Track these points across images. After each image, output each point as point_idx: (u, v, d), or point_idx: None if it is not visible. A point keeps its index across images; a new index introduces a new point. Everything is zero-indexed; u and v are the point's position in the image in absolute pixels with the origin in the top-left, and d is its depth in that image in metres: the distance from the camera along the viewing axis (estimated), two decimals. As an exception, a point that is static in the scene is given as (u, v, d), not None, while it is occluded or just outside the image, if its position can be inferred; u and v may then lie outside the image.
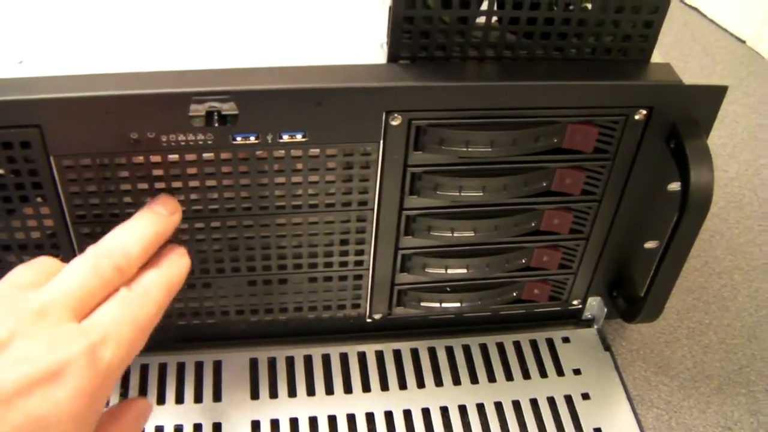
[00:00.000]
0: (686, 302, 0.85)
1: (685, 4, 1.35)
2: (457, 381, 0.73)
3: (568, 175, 0.65)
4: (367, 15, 0.65)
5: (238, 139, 0.58)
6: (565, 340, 0.77)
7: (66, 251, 0.62)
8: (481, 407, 0.71)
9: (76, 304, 0.49)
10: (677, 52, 1.24)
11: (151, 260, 0.55)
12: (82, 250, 0.60)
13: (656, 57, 0.63)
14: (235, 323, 0.70)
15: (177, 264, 0.57)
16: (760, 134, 1.09)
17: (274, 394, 0.70)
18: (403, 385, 0.72)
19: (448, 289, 0.72)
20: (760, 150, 1.06)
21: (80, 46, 0.60)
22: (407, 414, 0.70)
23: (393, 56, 0.59)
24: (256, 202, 0.62)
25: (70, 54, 0.59)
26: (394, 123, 0.59)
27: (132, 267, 0.53)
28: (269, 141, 0.58)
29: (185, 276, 0.57)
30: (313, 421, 0.68)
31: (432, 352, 0.75)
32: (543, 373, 0.74)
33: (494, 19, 0.58)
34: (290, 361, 0.73)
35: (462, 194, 0.64)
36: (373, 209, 0.64)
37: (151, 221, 0.57)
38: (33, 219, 0.60)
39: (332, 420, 0.69)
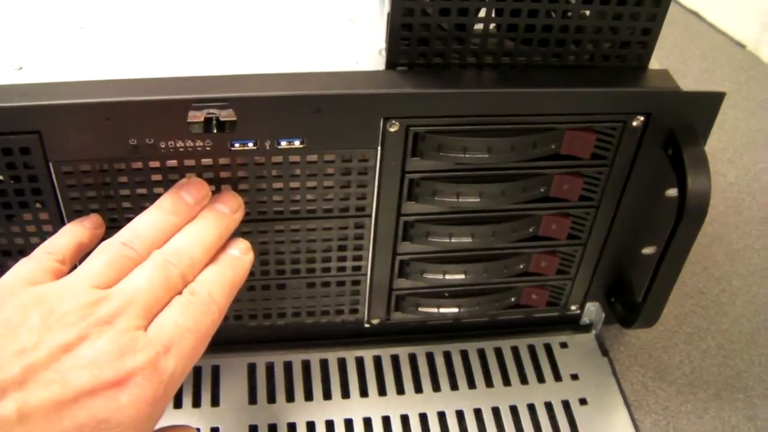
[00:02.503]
0: (684, 307, 0.85)
1: (685, 8, 1.35)
2: (454, 386, 0.73)
3: (565, 181, 0.65)
4: (365, 21, 0.65)
5: (237, 145, 0.58)
6: (563, 345, 0.78)
7: (65, 256, 0.62)
8: (478, 412, 0.71)
9: (144, 312, 0.51)
10: (677, 56, 1.24)
11: (220, 260, 0.57)
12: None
13: (654, 63, 0.63)
14: (234, 328, 0.70)
15: (240, 262, 0.58)
16: (759, 139, 1.09)
17: (272, 399, 0.70)
18: (400, 390, 0.72)
19: (446, 294, 0.72)
20: (759, 155, 1.06)
21: (79, 52, 0.60)
22: (405, 419, 0.70)
23: (391, 63, 0.59)
24: (255, 208, 0.62)
25: (69, 60, 0.59)
26: (392, 129, 0.59)
27: (196, 273, 0.55)
28: (267, 147, 0.58)
29: (247, 273, 0.59)
30: (310, 426, 0.69)
31: (430, 357, 0.75)
32: (541, 379, 0.74)
33: (492, 25, 0.59)
34: (288, 366, 0.73)
35: (460, 200, 0.64)
36: (371, 215, 0.64)
37: (214, 223, 0.58)
38: (32, 225, 0.60)
39: (330, 425, 0.69)
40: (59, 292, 0.50)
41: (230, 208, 0.59)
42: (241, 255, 0.58)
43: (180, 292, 0.53)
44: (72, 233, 0.57)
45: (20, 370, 0.46)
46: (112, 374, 0.47)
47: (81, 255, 0.56)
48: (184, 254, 0.55)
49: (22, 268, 0.53)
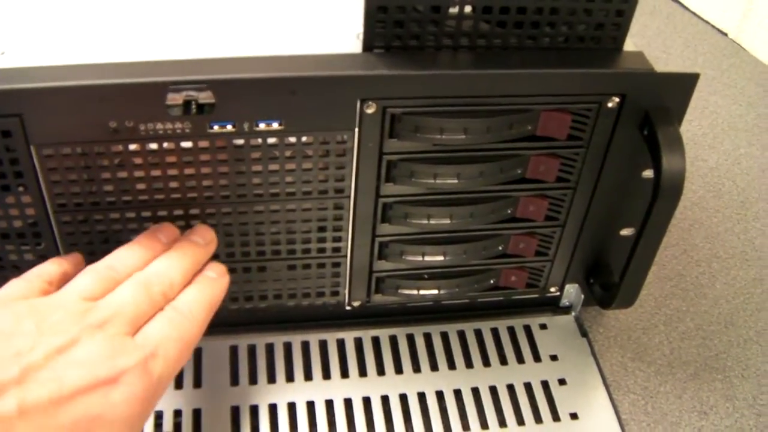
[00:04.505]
0: (664, 290, 0.86)
1: (668, -4, 1.36)
2: (434, 367, 0.73)
3: (542, 162, 0.65)
4: (344, 6, 0.66)
5: (215, 127, 0.58)
6: (543, 326, 0.78)
7: (47, 240, 0.63)
8: (458, 393, 0.72)
9: (130, 321, 0.54)
10: (659, 44, 1.25)
11: (197, 281, 0.60)
12: (63, 239, 0.62)
13: (630, 46, 0.64)
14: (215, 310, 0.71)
15: (217, 283, 0.61)
16: (740, 125, 1.10)
17: (253, 380, 0.71)
18: (381, 372, 0.73)
19: (426, 276, 0.73)
20: (739, 140, 1.07)
21: (61, 37, 0.61)
22: (385, 399, 0.70)
23: (368, 45, 0.60)
24: (234, 190, 0.63)
25: (50, 45, 0.60)
26: (369, 111, 0.59)
27: (174, 292, 0.58)
28: (246, 129, 0.59)
29: (225, 293, 0.62)
30: (291, 407, 0.69)
31: (410, 339, 0.76)
32: (520, 359, 0.75)
33: (468, 8, 0.59)
34: (270, 348, 0.74)
35: (437, 181, 0.64)
36: (349, 197, 0.65)
37: (189, 251, 0.61)
38: (14, 208, 0.61)
39: (311, 406, 0.69)
40: (51, 303, 0.54)
41: (204, 240, 0.63)
42: (217, 276, 0.62)
43: (162, 309, 0.57)
44: (58, 262, 0.60)
45: (18, 371, 0.48)
46: (105, 373, 0.50)
47: (65, 282, 0.58)
48: (164, 275, 0.58)
49: (13, 286, 0.56)
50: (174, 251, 0.61)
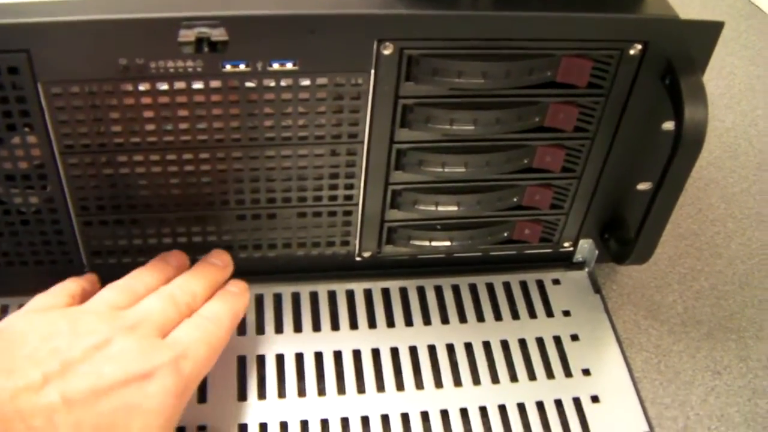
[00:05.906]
0: (678, 248, 0.84)
1: (685, -43, 1.35)
2: (445, 320, 0.72)
3: (561, 110, 0.64)
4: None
5: (228, 66, 0.57)
6: (556, 281, 0.77)
7: (53, 183, 0.62)
8: (468, 346, 0.71)
9: (159, 326, 0.58)
10: (676, 4, 1.22)
11: (219, 294, 0.64)
12: (69, 182, 0.61)
13: (653, 0, 0.62)
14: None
15: (240, 298, 0.65)
16: (757, 86, 1.09)
17: (260, 330, 0.70)
18: (391, 324, 0.72)
19: (439, 227, 0.72)
20: (756, 101, 1.06)
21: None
22: (395, 352, 0.70)
23: (386, -15, 0.59)
24: (246, 133, 0.61)
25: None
26: (386, 52, 0.58)
27: (198, 304, 0.62)
28: (259, 69, 0.58)
29: (246, 309, 0.66)
30: (299, 357, 0.68)
31: (421, 291, 0.75)
32: (532, 314, 0.74)
33: (489, -51, 0.58)
34: (278, 299, 0.73)
35: (453, 127, 0.63)
36: (363, 142, 0.64)
37: (209, 271, 0.66)
38: (20, 149, 0.59)
39: (319, 356, 0.69)
40: (81, 310, 0.58)
41: (221, 263, 0.67)
42: (239, 291, 0.66)
43: (188, 317, 0.60)
44: (77, 281, 0.64)
45: (59, 365, 0.51)
46: (140, 368, 0.53)
47: (86, 298, 0.61)
48: (187, 288, 0.62)
49: (39, 299, 0.60)
50: (194, 270, 0.65)
